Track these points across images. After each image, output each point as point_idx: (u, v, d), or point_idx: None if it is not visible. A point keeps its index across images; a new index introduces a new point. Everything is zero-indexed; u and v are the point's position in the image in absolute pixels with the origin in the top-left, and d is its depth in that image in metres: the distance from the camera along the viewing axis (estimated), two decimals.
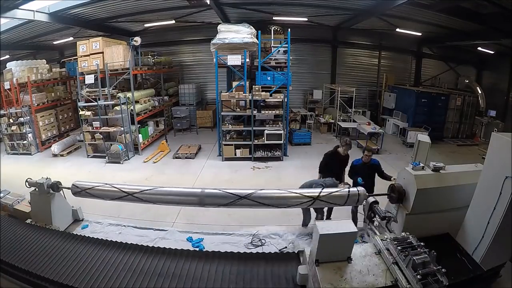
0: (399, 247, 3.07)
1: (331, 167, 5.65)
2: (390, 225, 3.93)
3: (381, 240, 3.36)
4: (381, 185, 5.15)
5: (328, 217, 5.74)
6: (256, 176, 8.78)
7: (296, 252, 4.06)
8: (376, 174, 5.55)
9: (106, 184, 4.41)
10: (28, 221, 5.00)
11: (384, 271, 3.04)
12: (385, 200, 4.75)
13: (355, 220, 5.58)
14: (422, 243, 3.11)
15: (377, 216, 4.04)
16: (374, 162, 5.58)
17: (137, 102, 10.99)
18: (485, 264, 3.57)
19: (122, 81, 11.07)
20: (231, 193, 3.98)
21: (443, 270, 2.81)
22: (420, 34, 13.36)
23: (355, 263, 3.15)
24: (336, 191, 4.13)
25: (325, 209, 5.64)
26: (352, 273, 3.04)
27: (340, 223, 3.21)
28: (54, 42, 14.48)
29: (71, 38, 13.54)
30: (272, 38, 10.64)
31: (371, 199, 4.18)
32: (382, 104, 15.15)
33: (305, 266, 3.40)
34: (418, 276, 2.74)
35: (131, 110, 10.45)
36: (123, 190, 4.19)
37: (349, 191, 4.07)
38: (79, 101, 10.46)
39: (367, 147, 5.65)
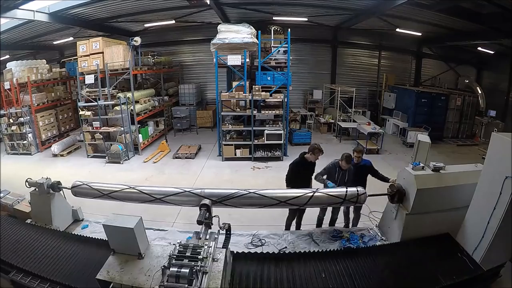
0: (176, 254, 2.77)
1: (300, 177, 5.15)
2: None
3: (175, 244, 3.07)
4: (381, 185, 5.14)
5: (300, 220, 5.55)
6: (256, 176, 8.78)
7: None
8: (370, 175, 5.39)
9: (106, 184, 4.41)
10: (28, 221, 4.99)
11: (158, 274, 2.95)
12: (385, 200, 4.76)
13: (347, 220, 5.56)
14: (199, 257, 2.71)
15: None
16: (365, 163, 5.37)
17: (137, 102, 10.99)
18: (485, 264, 3.57)
19: (122, 81, 11.07)
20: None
21: None
22: (420, 34, 13.37)
23: (145, 260, 3.23)
24: (334, 191, 4.10)
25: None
26: (133, 268, 3.13)
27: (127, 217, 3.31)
28: (54, 42, 14.49)
29: (71, 38, 13.55)
30: (272, 38, 10.65)
31: None
32: (382, 104, 15.15)
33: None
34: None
35: (131, 110, 10.45)
36: (123, 190, 4.18)
37: (346, 190, 4.03)
38: (79, 101, 10.46)
39: (356, 148, 5.52)
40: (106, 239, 4.37)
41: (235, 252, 4.11)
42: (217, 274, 2.84)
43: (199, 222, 3.26)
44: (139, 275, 3.06)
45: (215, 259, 2.96)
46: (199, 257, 2.69)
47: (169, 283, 2.52)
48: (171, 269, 2.58)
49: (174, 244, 2.90)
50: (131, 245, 3.24)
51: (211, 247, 2.91)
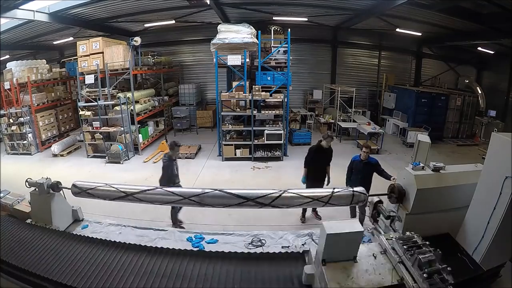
0: (404, 246, 3.08)
1: (317, 161, 5.89)
2: (394, 224, 3.93)
3: (386, 239, 3.36)
4: (381, 184, 5.14)
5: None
6: (256, 176, 8.78)
7: (301, 252, 4.05)
8: (376, 173, 5.50)
9: (106, 184, 4.41)
10: (28, 221, 5.00)
11: (390, 270, 3.05)
12: (385, 200, 4.75)
13: (362, 220, 5.58)
14: (427, 242, 3.11)
15: (381, 215, 4.03)
16: (372, 161, 5.51)
17: (137, 102, 10.99)
18: (485, 264, 3.57)
19: (122, 81, 11.07)
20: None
21: (448, 268, 2.80)
22: (420, 34, 13.37)
23: (361, 262, 3.16)
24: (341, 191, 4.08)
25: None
26: (358, 272, 3.04)
27: (347, 222, 3.24)
28: (54, 42, 14.49)
29: (71, 38, 13.55)
30: (272, 38, 10.65)
31: (375, 198, 4.17)
32: (382, 104, 15.16)
33: (311, 265, 3.40)
34: (424, 275, 2.74)
35: (131, 110, 10.45)
36: (123, 190, 4.18)
37: (353, 191, 4.03)
38: (79, 101, 10.46)
39: (365, 144, 5.64)
40: (107, 239, 4.39)
41: (236, 252, 4.12)
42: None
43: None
44: (372, 276, 3.00)
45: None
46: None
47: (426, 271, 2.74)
48: (422, 255, 2.84)
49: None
50: (349, 249, 3.13)
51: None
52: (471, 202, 3.93)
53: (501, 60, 14.05)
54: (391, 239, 3.31)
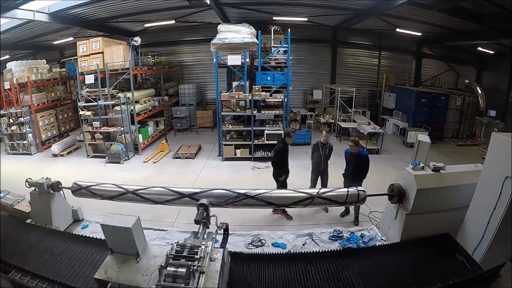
0: (173, 254, 2.75)
1: (284, 159, 6.24)
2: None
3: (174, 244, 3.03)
4: (381, 184, 5.14)
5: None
6: (256, 176, 8.78)
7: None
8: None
9: (106, 184, 4.41)
10: (28, 221, 5.00)
11: (155, 274, 2.95)
12: (385, 200, 4.76)
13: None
14: (192, 256, 2.70)
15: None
16: (362, 153, 5.84)
17: (137, 102, 10.99)
18: (485, 264, 3.57)
19: (122, 81, 11.07)
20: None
21: None
22: (420, 34, 13.36)
23: (142, 260, 3.23)
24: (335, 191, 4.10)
25: None
26: (130, 268, 3.13)
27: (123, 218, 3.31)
28: (54, 42, 14.49)
29: (71, 38, 13.55)
30: (272, 38, 10.65)
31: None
32: (382, 104, 15.15)
33: None
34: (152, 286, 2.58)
35: (131, 110, 10.44)
36: (123, 189, 4.18)
37: (348, 190, 4.04)
38: (79, 101, 10.46)
39: (352, 139, 5.89)
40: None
41: (232, 252, 4.12)
42: (214, 274, 2.82)
43: (196, 222, 3.27)
44: (137, 274, 3.07)
45: (213, 259, 2.95)
46: (196, 256, 2.68)
47: (166, 282, 2.51)
48: (168, 268, 2.57)
49: (171, 244, 2.90)
50: (128, 244, 3.24)
51: (208, 246, 2.91)
52: (471, 202, 3.94)
53: (501, 60, 14.04)
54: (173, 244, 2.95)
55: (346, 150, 5.93)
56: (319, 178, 6.44)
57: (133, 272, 3.09)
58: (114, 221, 3.29)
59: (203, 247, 2.85)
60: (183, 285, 2.49)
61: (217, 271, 2.87)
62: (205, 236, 3.15)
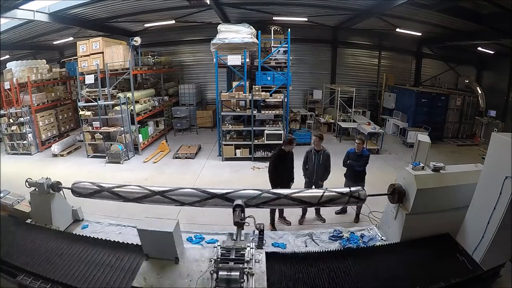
0: (220, 257, 2.75)
1: (282, 167, 5.57)
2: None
3: (220, 247, 3.00)
4: (381, 184, 5.14)
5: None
6: (256, 176, 8.77)
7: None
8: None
9: (107, 184, 4.41)
10: (28, 221, 5.00)
11: (202, 279, 2.89)
12: (385, 200, 4.76)
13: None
14: (244, 258, 2.67)
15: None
16: (364, 153, 5.80)
17: (137, 102, 10.99)
18: (485, 264, 3.57)
19: (122, 81, 11.07)
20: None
21: None
22: (420, 34, 13.37)
23: (182, 264, 3.11)
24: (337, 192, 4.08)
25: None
26: (171, 273, 3.01)
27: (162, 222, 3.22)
28: (54, 42, 14.49)
29: (71, 38, 13.55)
30: (272, 38, 10.64)
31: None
32: (382, 104, 15.15)
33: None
34: None
35: (131, 110, 10.44)
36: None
37: (350, 190, 4.03)
38: (79, 101, 10.46)
39: (358, 136, 5.79)
40: (107, 238, 4.39)
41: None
42: (262, 275, 2.82)
43: (236, 224, 3.15)
44: (180, 280, 2.94)
45: (257, 261, 2.93)
46: (246, 259, 2.66)
47: (220, 287, 2.49)
48: (220, 272, 2.53)
49: (214, 247, 2.84)
50: (168, 249, 3.13)
51: (252, 248, 2.90)
52: (471, 202, 3.94)
53: (501, 60, 14.04)
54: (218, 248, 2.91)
55: (350, 150, 5.90)
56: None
57: (176, 278, 2.97)
58: (152, 225, 3.15)
59: (248, 249, 2.83)
60: None
61: (264, 271, 2.87)
62: (242, 238, 3.11)
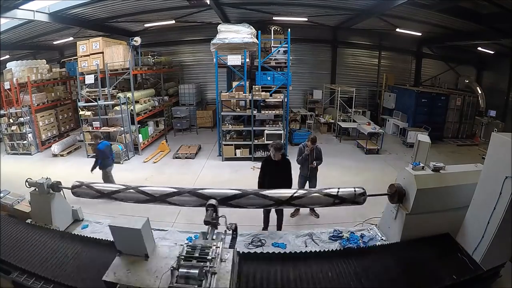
0: (184, 255, 2.70)
1: (269, 175, 5.39)
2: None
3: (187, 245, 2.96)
4: (381, 184, 5.14)
5: (280, 219, 5.66)
6: (256, 176, 8.75)
7: None
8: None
9: (106, 184, 4.41)
10: (28, 221, 5.00)
11: (166, 275, 2.87)
12: (385, 200, 4.76)
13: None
14: (208, 257, 2.66)
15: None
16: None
17: (137, 102, 10.99)
18: (485, 264, 3.56)
19: (122, 81, 11.07)
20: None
21: None
22: (420, 34, 13.37)
23: (151, 261, 3.16)
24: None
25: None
26: (140, 269, 3.07)
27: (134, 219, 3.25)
28: (54, 42, 14.50)
29: (71, 38, 13.56)
30: (272, 38, 10.65)
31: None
32: (382, 104, 15.16)
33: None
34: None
35: (131, 110, 10.45)
36: (123, 190, 4.18)
37: (355, 190, 4.03)
38: (79, 101, 10.46)
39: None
40: (107, 238, 4.39)
41: (240, 252, 4.11)
42: (226, 274, 2.81)
43: (206, 223, 3.19)
44: (147, 276, 3.01)
45: (223, 260, 2.93)
46: (208, 257, 2.66)
47: (179, 284, 2.49)
48: (180, 270, 2.54)
49: (181, 245, 2.88)
50: (138, 246, 3.18)
51: (219, 247, 2.90)
52: (471, 202, 3.93)
53: (501, 60, 14.04)
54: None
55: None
56: (307, 183, 6.30)
57: (143, 274, 3.04)
58: (122, 222, 3.23)
59: (214, 247, 2.83)
60: (195, 286, 2.47)
61: (228, 271, 2.85)
62: (214, 237, 3.11)
